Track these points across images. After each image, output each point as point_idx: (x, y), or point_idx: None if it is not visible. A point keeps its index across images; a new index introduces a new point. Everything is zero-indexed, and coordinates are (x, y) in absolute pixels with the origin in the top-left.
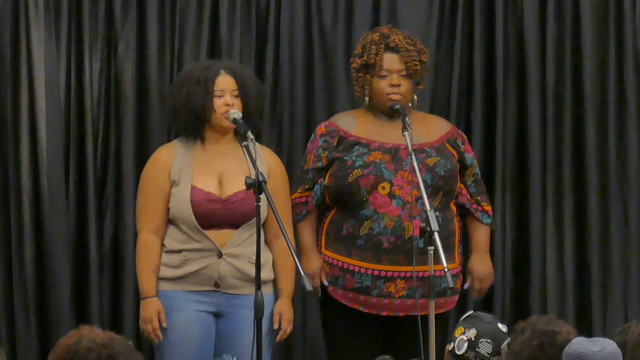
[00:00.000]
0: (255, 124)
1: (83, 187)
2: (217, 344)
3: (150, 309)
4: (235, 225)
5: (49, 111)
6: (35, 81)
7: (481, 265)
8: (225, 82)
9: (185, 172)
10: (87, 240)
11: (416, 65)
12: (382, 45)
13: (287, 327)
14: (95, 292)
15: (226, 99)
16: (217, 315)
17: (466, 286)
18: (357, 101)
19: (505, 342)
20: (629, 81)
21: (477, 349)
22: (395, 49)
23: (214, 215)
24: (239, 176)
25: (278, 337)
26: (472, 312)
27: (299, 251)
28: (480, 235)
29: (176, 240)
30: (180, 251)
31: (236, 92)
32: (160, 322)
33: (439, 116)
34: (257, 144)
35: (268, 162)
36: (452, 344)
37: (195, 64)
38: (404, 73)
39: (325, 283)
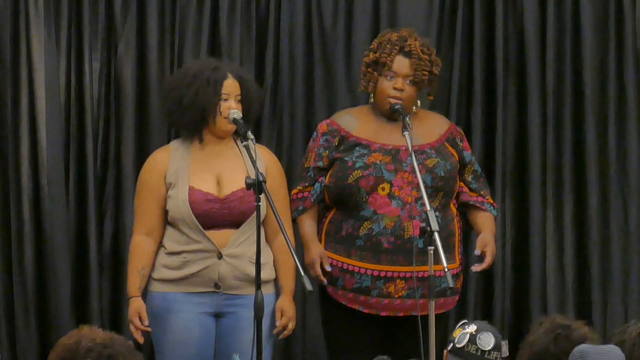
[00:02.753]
0: (249, 127)
1: (83, 187)
2: (217, 343)
3: (131, 309)
4: (235, 224)
5: (49, 111)
6: (35, 81)
7: (488, 238)
8: (231, 86)
9: (182, 173)
10: (87, 240)
11: (424, 74)
12: (397, 47)
13: (287, 324)
14: (95, 292)
15: (230, 104)
16: (217, 315)
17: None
18: (357, 101)
19: (506, 341)
20: (629, 81)
21: (478, 342)
22: (408, 54)
23: (212, 215)
24: (236, 175)
25: (281, 335)
26: (467, 320)
27: (300, 246)
28: (488, 221)
29: (176, 242)
30: (180, 253)
31: (239, 97)
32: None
33: (437, 113)
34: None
35: (265, 160)
36: (451, 344)
37: (199, 62)
38: (410, 79)
39: (328, 268)
